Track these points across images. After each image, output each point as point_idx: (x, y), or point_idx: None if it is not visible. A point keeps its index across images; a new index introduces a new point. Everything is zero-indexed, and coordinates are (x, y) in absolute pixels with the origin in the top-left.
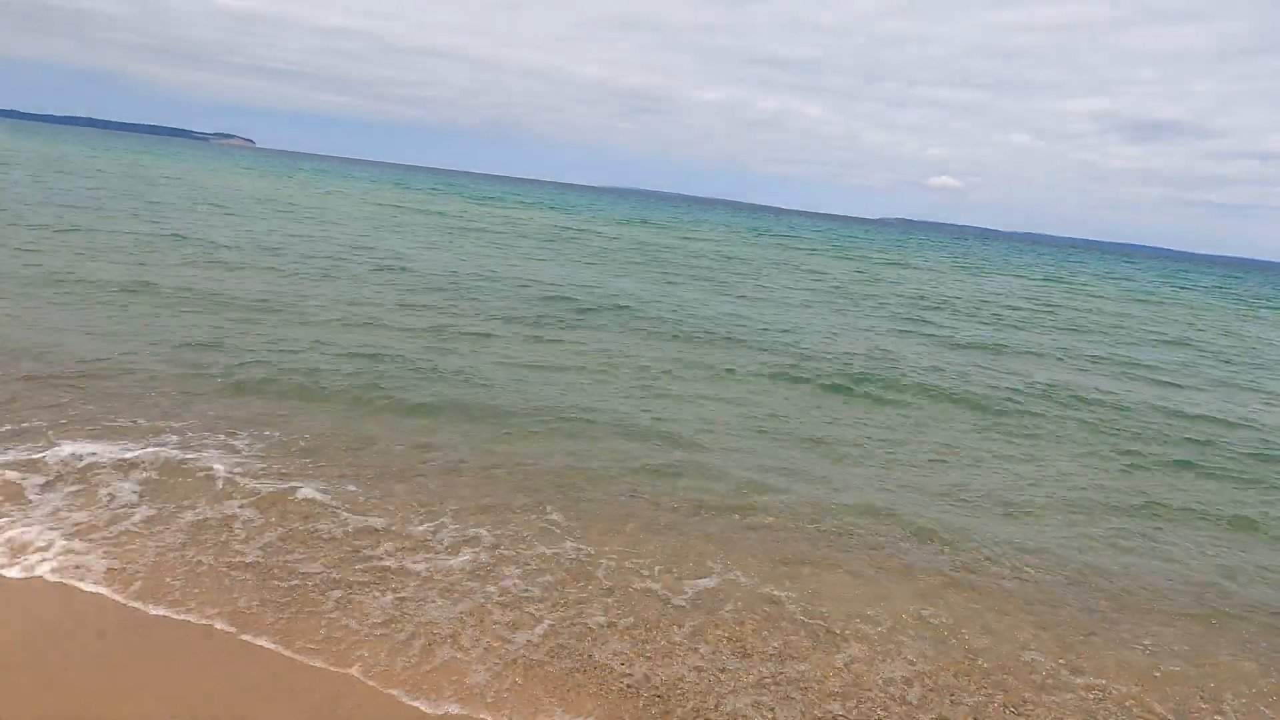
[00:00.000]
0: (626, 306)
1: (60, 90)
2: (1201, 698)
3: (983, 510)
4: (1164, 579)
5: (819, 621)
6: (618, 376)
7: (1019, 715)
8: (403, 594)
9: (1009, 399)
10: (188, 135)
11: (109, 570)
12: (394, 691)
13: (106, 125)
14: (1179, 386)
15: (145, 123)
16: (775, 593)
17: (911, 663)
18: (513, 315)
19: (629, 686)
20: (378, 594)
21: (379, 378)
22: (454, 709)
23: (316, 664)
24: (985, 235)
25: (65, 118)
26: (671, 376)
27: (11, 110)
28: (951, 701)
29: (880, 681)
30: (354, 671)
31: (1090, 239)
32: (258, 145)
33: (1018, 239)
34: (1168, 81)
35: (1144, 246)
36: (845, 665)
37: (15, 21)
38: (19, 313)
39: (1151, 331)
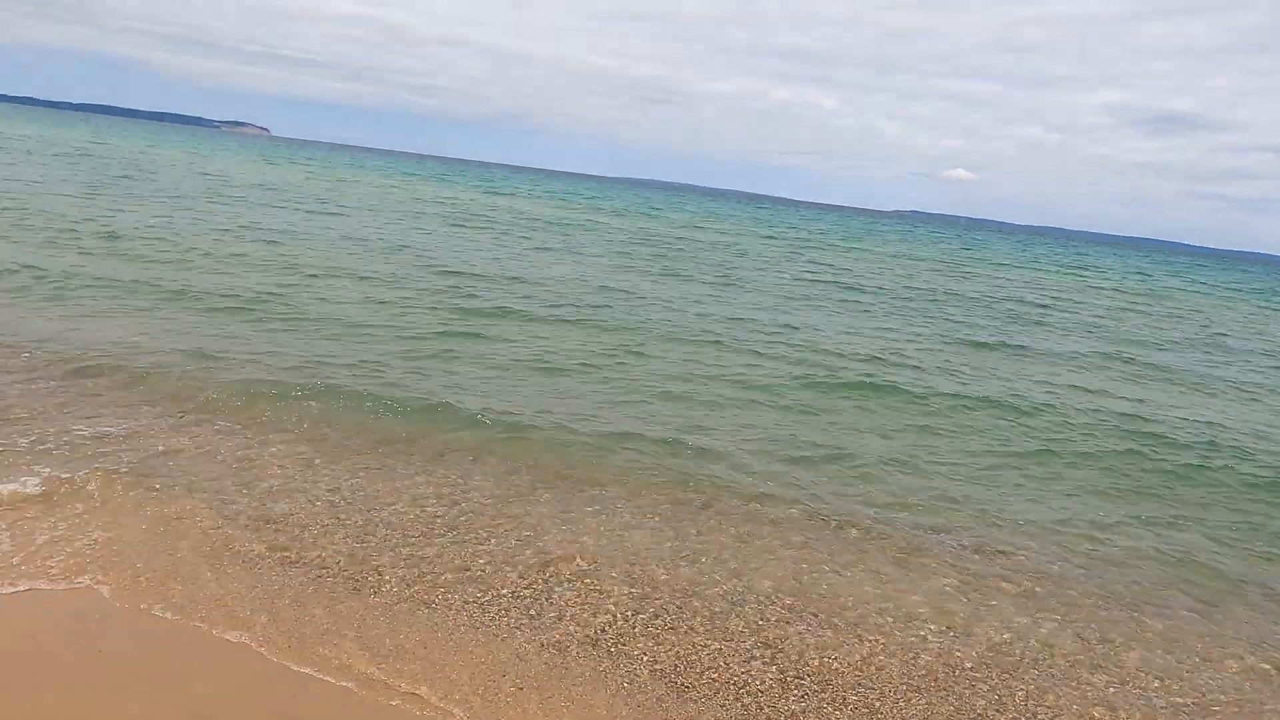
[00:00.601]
0: (637, 304)
1: (77, 78)
2: (1220, 691)
3: (1002, 511)
4: (1184, 579)
5: (839, 616)
6: (632, 374)
7: (1040, 706)
8: (414, 587)
9: (1030, 402)
10: (202, 123)
11: (110, 569)
12: (395, 702)
13: (122, 113)
14: (1205, 392)
15: (160, 110)
16: (795, 586)
17: (933, 656)
18: (523, 312)
19: (651, 678)
20: (387, 588)
21: (392, 373)
22: (460, 712)
23: (307, 671)
24: (999, 228)
25: (81, 105)
26: (687, 375)
27: (29, 97)
28: (973, 693)
29: (902, 674)
30: (353, 679)
31: (1104, 233)
32: (272, 133)
33: (1032, 232)
34: (1182, 74)
35: (1159, 241)
36: (866, 657)
37: (33, 8)
38: (39, 307)
39: (1174, 329)
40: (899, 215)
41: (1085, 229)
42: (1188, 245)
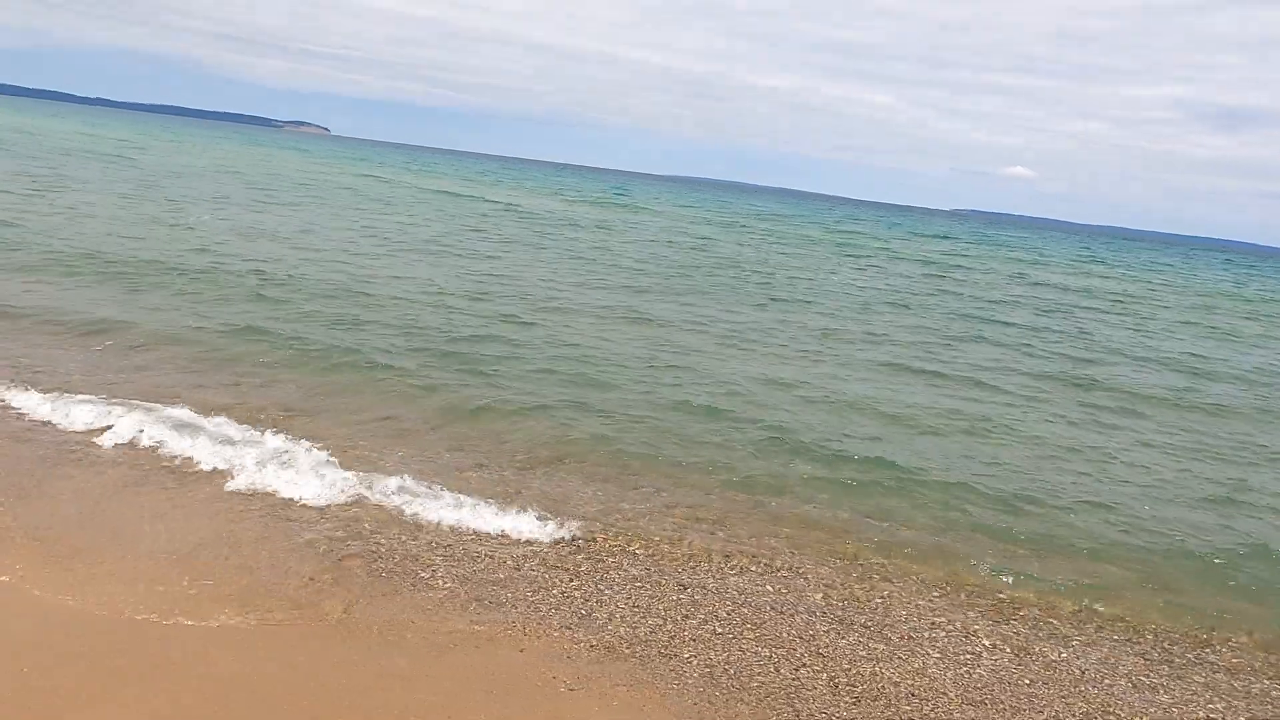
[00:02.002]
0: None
1: (145, 79)
2: None
3: (1068, 534)
4: (1258, 605)
5: (893, 627)
6: (683, 382)
7: None
8: (466, 584)
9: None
10: (266, 123)
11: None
12: (449, 694)
13: (189, 113)
14: None
15: (226, 110)
16: (849, 596)
17: (988, 670)
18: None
19: (700, 681)
20: (440, 584)
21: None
22: (507, 710)
23: (357, 657)
24: (1061, 228)
25: (151, 105)
26: (734, 378)
27: (101, 98)
28: (1029, 710)
29: (956, 687)
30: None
31: (1172, 233)
32: (332, 132)
33: (1093, 231)
34: (1253, 67)
35: (1229, 241)
36: (920, 669)
37: (103, 9)
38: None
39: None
40: (957, 214)
41: (1150, 229)
42: (1261, 246)
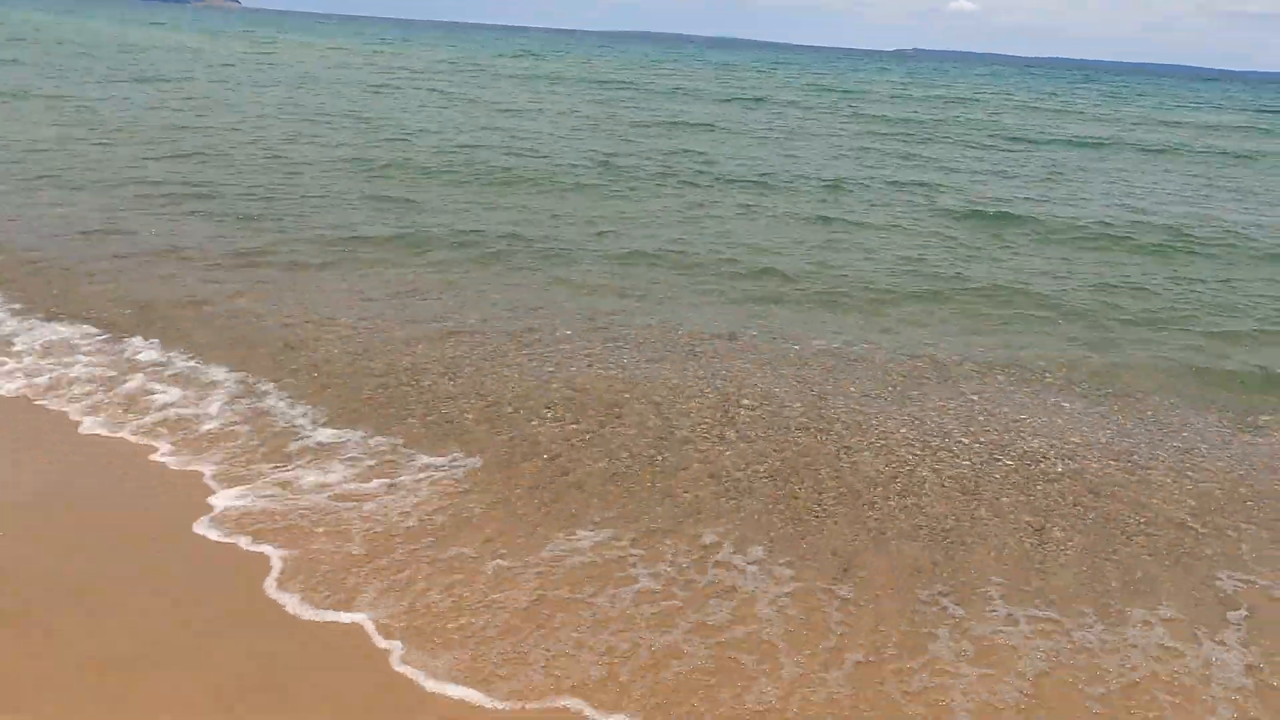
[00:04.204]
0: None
1: None
2: None
3: None
4: None
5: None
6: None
7: None
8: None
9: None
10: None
11: None
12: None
13: None
14: None
15: None
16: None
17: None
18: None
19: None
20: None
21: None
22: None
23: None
24: (1004, 62)
25: None
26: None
27: None
28: None
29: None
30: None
31: (1121, 61)
32: (243, 5)
33: (1042, 64)
34: None
35: (1178, 66)
36: None
37: None
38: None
39: None
40: (901, 54)
41: (1099, 58)
42: (1208, 69)
